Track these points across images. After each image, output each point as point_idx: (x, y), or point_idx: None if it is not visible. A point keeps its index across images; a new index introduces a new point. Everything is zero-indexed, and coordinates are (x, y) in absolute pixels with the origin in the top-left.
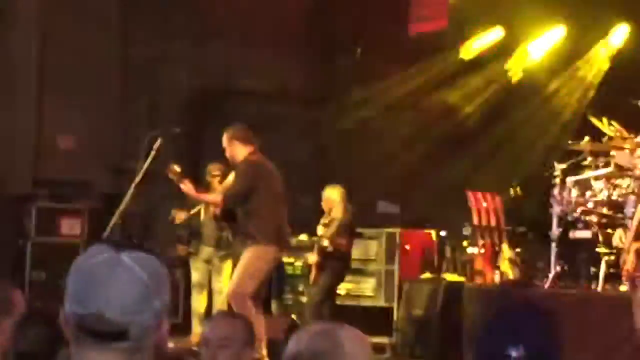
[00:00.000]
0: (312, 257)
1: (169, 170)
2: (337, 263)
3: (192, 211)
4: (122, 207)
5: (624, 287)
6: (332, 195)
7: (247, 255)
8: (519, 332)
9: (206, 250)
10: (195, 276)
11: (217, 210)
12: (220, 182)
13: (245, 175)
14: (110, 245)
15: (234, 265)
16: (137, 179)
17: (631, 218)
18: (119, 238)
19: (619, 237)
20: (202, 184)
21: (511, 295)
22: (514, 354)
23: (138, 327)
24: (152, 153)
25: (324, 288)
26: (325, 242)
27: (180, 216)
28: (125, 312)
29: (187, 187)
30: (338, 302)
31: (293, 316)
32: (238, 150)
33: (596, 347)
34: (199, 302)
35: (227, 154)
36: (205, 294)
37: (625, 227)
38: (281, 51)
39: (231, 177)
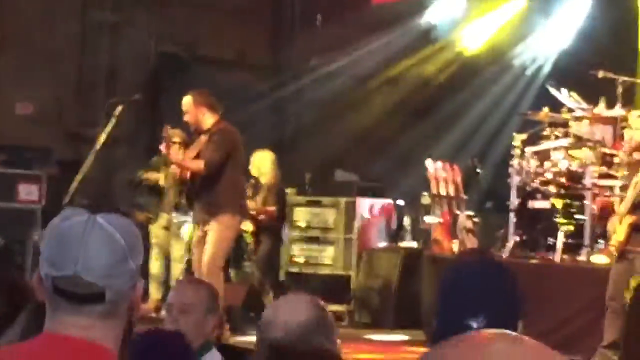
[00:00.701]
0: (249, 226)
1: (165, 130)
2: (270, 232)
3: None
4: (81, 173)
5: (581, 257)
6: (264, 161)
7: (218, 227)
8: (479, 301)
9: (165, 217)
10: (154, 242)
11: (186, 174)
12: (181, 149)
13: (223, 143)
14: (85, 208)
15: (202, 234)
16: (97, 145)
17: (590, 189)
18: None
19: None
20: (157, 151)
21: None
22: (474, 324)
23: (114, 290)
24: (113, 120)
25: (262, 260)
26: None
27: (152, 176)
28: (102, 274)
29: (173, 150)
30: (296, 269)
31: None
32: (205, 117)
33: (554, 317)
34: (157, 269)
35: (190, 119)
36: (162, 260)
37: (582, 197)
38: (242, 19)
39: (198, 144)
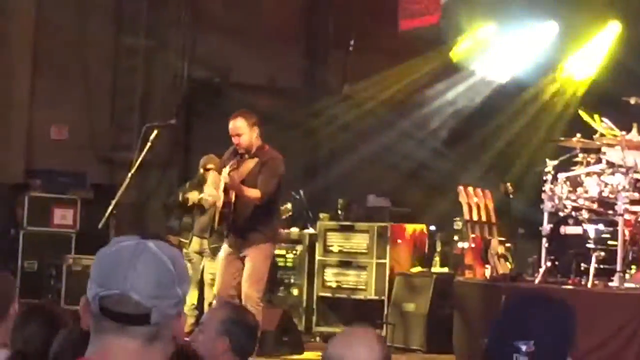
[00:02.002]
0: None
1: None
2: None
3: (202, 195)
4: (116, 197)
5: (612, 283)
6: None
7: (259, 256)
8: (532, 327)
9: (198, 241)
10: (188, 268)
11: (230, 200)
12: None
13: (277, 172)
14: (136, 234)
15: (236, 258)
16: (133, 170)
17: (622, 215)
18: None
19: None
20: (191, 176)
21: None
22: (523, 348)
23: (160, 313)
24: (148, 144)
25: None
26: None
27: (194, 196)
28: (149, 295)
29: (231, 177)
30: (328, 294)
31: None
32: (256, 139)
33: (586, 342)
34: (191, 295)
35: (244, 142)
36: (196, 285)
37: (615, 224)
38: (275, 46)
39: (243, 167)
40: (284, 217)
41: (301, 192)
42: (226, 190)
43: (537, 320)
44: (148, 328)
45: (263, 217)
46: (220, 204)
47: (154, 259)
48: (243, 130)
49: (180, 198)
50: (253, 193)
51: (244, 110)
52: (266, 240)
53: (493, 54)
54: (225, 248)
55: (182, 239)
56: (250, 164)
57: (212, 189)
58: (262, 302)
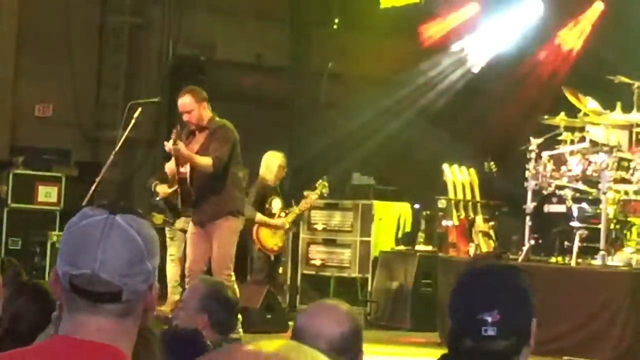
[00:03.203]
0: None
1: (175, 132)
2: None
3: (172, 189)
4: (100, 174)
5: (595, 261)
6: (272, 161)
7: (225, 233)
8: (493, 297)
9: (182, 220)
10: (171, 245)
11: (185, 174)
12: None
13: (228, 139)
14: (105, 207)
15: (201, 233)
16: (117, 147)
17: (605, 193)
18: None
19: None
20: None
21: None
22: (489, 318)
23: (131, 289)
24: (132, 122)
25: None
26: None
27: (164, 190)
28: (120, 273)
29: (181, 146)
30: (312, 271)
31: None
32: (205, 113)
33: (569, 321)
34: (173, 271)
35: (193, 118)
36: (179, 263)
37: (599, 202)
38: (260, 24)
39: (195, 142)
40: (320, 193)
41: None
42: (178, 164)
43: (496, 289)
44: (120, 305)
45: (222, 189)
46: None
47: (124, 236)
48: (192, 106)
49: (152, 189)
50: (204, 160)
51: (191, 87)
52: (229, 214)
53: (477, 33)
54: (191, 225)
55: (166, 218)
56: (200, 137)
57: (172, 162)
58: (232, 277)
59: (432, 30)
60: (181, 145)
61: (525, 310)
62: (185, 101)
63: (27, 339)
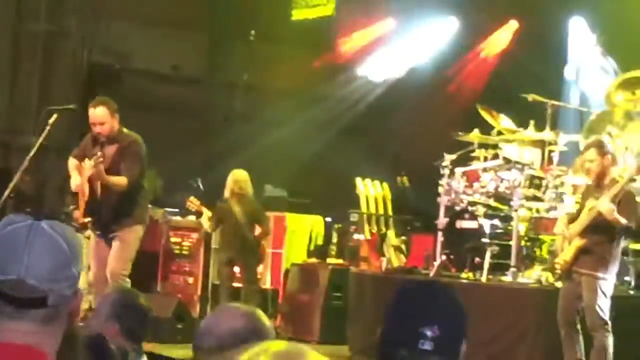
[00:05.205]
0: None
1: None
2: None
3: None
4: (14, 181)
5: (506, 278)
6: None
7: (130, 236)
8: (433, 312)
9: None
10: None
11: (97, 192)
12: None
13: (139, 156)
14: (29, 214)
15: (102, 243)
16: (31, 154)
17: (517, 210)
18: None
19: (562, 223)
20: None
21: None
22: (428, 333)
23: (57, 294)
24: (47, 128)
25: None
26: None
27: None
28: (46, 278)
29: (98, 170)
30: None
31: (179, 296)
32: (116, 124)
33: (479, 337)
34: (83, 279)
35: (105, 130)
36: (87, 271)
37: (510, 219)
38: (177, 34)
39: (105, 155)
40: None
41: (199, 180)
42: (90, 181)
43: (438, 305)
44: (45, 310)
45: (130, 201)
46: (85, 194)
47: (49, 242)
48: (106, 119)
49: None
50: (119, 181)
51: (104, 98)
52: (136, 223)
53: (392, 48)
54: (93, 235)
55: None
56: (109, 150)
57: (78, 177)
58: (127, 278)
59: (348, 44)
60: (98, 168)
61: (460, 330)
62: (99, 113)
63: None
